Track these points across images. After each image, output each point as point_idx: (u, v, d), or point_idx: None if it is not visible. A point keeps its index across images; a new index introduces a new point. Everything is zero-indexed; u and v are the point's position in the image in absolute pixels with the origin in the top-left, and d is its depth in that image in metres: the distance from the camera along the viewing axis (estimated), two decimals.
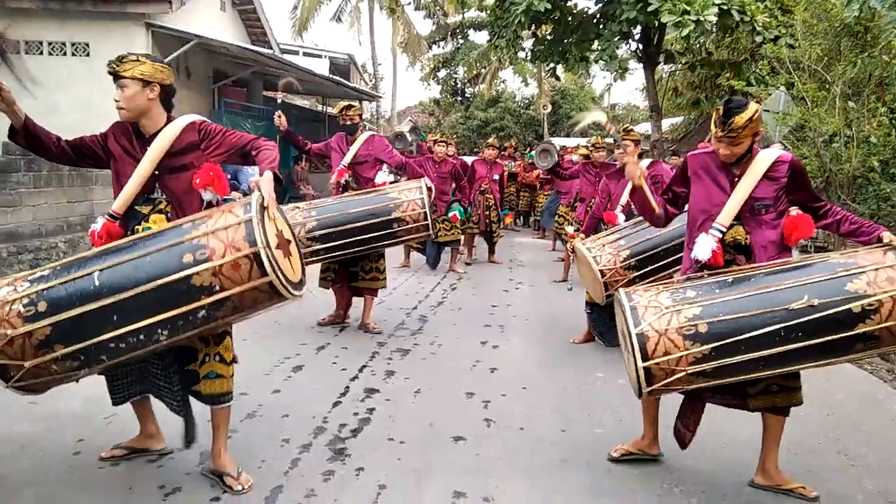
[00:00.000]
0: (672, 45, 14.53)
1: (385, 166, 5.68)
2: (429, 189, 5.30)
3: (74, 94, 10.38)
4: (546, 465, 3.35)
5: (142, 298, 2.45)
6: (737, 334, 2.67)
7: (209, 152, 2.90)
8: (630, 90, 45.65)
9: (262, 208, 2.55)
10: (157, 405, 3.14)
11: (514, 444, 3.58)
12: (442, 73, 29.65)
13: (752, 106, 2.85)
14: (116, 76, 2.76)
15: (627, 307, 2.81)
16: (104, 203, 9.52)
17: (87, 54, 10.84)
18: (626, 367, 2.98)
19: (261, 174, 2.68)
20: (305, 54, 20.57)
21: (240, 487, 2.90)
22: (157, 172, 2.85)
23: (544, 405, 4.20)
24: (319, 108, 22.60)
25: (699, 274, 2.97)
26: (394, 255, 8.86)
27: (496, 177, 10.27)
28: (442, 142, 8.82)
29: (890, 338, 2.70)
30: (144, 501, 2.83)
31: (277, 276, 2.48)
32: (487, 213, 9.78)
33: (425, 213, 5.19)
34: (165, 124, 2.88)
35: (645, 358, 2.70)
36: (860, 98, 9.52)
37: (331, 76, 16.29)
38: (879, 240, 2.86)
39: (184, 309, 2.48)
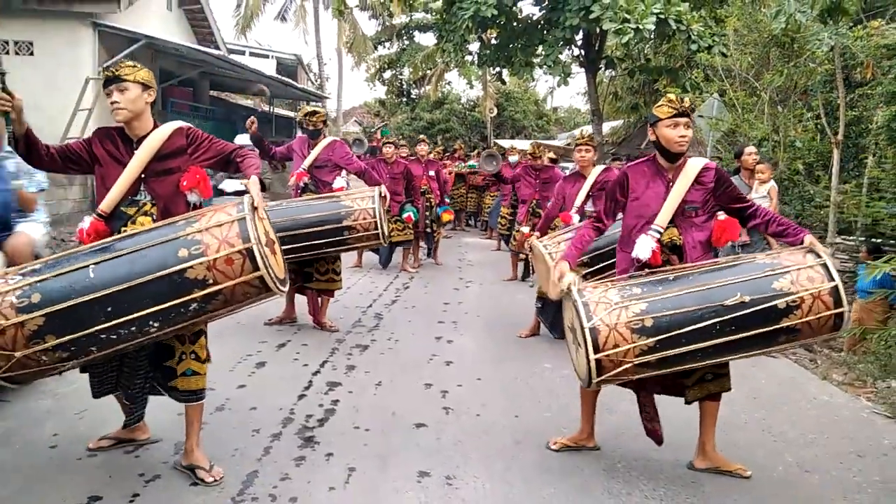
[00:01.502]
0: (612, 51, 15.08)
1: (343, 172, 5.84)
2: (383, 197, 5.43)
3: (18, 94, 10.19)
4: (501, 447, 3.63)
5: (137, 291, 2.59)
6: (678, 328, 2.92)
7: (196, 157, 3.07)
8: (572, 94, 46.59)
9: (253, 208, 2.74)
10: (151, 401, 3.30)
11: (471, 429, 3.86)
12: (387, 74, 29.73)
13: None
14: (117, 79, 2.90)
15: (580, 303, 3.02)
16: (81, 202, 9.43)
17: (31, 53, 10.70)
18: (573, 358, 3.25)
19: (249, 171, 2.91)
20: (252, 54, 20.47)
21: (211, 479, 3.04)
22: (143, 175, 3.00)
23: (497, 394, 4.49)
24: (266, 108, 22.51)
25: (641, 272, 3.24)
26: (346, 256, 9.04)
27: (432, 173, 10.51)
28: (390, 143, 9.02)
29: (809, 331, 2.99)
30: (125, 487, 2.98)
31: (268, 271, 2.68)
32: (427, 213, 9.96)
33: (376, 222, 5.30)
34: (153, 129, 3.04)
35: (597, 350, 2.91)
36: (787, 105, 10.15)
37: (278, 77, 16.30)
38: (802, 242, 3.16)
39: (177, 301, 2.63)
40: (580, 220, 5.36)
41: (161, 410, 3.52)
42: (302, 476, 3.19)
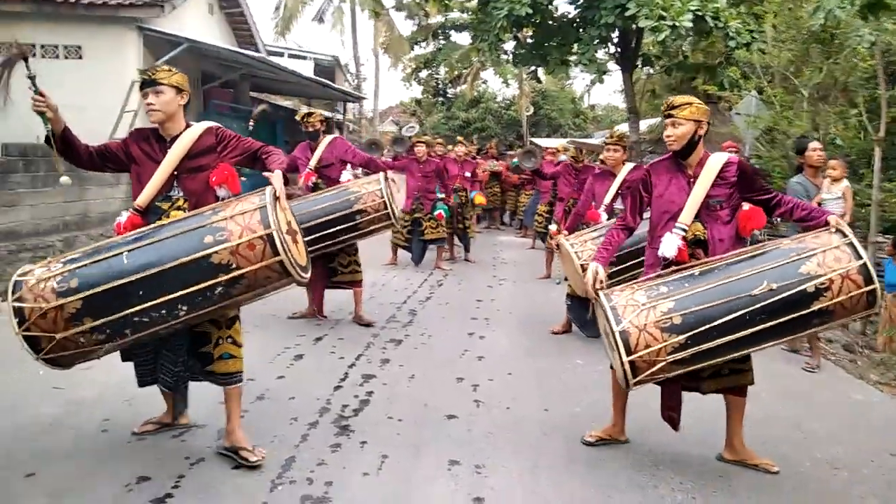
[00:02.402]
0: (649, 48, 14.98)
1: (349, 165, 6.00)
2: (388, 180, 5.62)
3: (67, 96, 10.45)
4: (529, 439, 3.72)
5: (166, 275, 2.76)
6: (708, 322, 2.95)
7: (224, 154, 3.24)
8: (610, 92, 46.12)
9: (275, 198, 2.90)
10: (194, 391, 3.49)
11: (501, 422, 3.95)
12: (423, 74, 29.92)
13: (694, 98, 3.33)
14: (153, 83, 3.09)
15: (608, 307, 3.08)
16: (98, 203, 9.77)
17: (80, 57, 11.06)
18: (611, 362, 3.31)
19: (272, 166, 3.08)
20: (291, 56, 20.79)
21: (255, 459, 3.20)
22: (175, 173, 3.17)
23: (528, 388, 4.57)
24: (304, 108, 22.83)
25: (668, 270, 3.27)
26: (382, 253, 9.21)
27: (468, 173, 10.62)
28: (422, 142, 9.15)
29: (843, 311, 3.01)
30: (172, 469, 3.15)
31: (288, 256, 2.82)
32: (460, 211, 10.09)
33: (385, 202, 5.48)
34: (185, 129, 3.21)
35: (629, 353, 2.96)
36: (826, 102, 9.99)
37: (316, 78, 16.56)
38: (827, 224, 3.15)
39: (203, 285, 2.79)
40: (608, 219, 5.41)
41: (203, 398, 3.69)
42: (337, 462, 3.32)
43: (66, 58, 11.09)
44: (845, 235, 3.06)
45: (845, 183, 5.53)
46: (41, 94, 2.93)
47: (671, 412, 3.43)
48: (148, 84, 3.11)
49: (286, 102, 21.41)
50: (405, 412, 4.01)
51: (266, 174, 3.10)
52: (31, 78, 2.96)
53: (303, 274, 3.00)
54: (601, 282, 3.28)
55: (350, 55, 30.53)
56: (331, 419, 3.85)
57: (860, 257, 2.97)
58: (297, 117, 6.11)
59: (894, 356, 5.71)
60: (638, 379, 3.03)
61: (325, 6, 28.50)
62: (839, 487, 3.35)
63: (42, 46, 11.02)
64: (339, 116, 20.95)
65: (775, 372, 4.93)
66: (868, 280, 2.95)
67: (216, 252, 2.79)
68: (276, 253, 2.81)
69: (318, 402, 4.10)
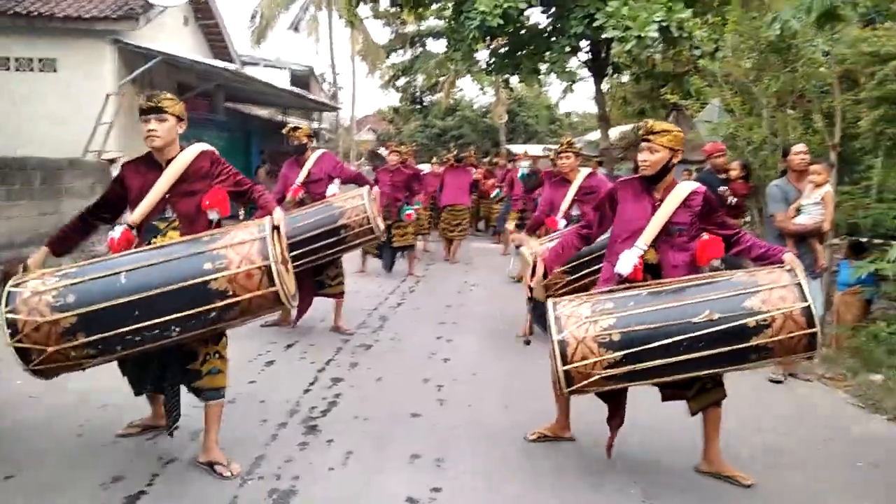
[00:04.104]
0: (619, 57, 15.33)
1: (336, 180, 6.15)
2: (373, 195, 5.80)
3: (42, 108, 10.70)
4: (489, 434, 3.94)
5: (163, 297, 2.90)
6: (645, 343, 3.01)
7: (217, 181, 3.38)
8: (584, 98, 46.74)
9: (274, 229, 3.07)
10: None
11: (463, 419, 4.17)
12: (401, 82, 30.11)
13: (674, 126, 3.43)
14: (160, 110, 3.22)
15: (552, 317, 3.18)
16: (72, 215, 9.86)
17: (55, 70, 11.16)
18: (551, 368, 3.50)
19: (271, 209, 3.29)
20: (266, 66, 20.94)
21: (229, 474, 3.28)
22: (167, 195, 3.30)
23: (491, 388, 4.79)
24: (279, 118, 22.97)
25: (621, 286, 3.31)
26: (351, 262, 9.37)
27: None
28: (395, 151, 9.35)
29: (781, 350, 3.04)
30: (146, 469, 3.32)
31: (283, 288, 3.00)
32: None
33: (368, 217, 5.64)
34: (179, 152, 3.36)
35: (565, 362, 3.06)
36: (784, 109, 10.34)
37: (292, 89, 16.72)
38: (783, 262, 3.20)
39: (199, 309, 2.94)
40: (566, 225, 5.58)
41: None
42: (304, 458, 3.51)
43: (42, 71, 11.20)
44: (795, 276, 3.08)
45: (826, 188, 5.28)
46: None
47: (612, 434, 3.51)
48: (153, 111, 3.23)
49: (262, 112, 21.53)
50: (371, 412, 4.21)
51: (265, 207, 3.34)
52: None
53: (293, 302, 3.19)
54: (539, 281, 3.47)
55: (326, 63, 30.69)
56: (299, 419, 4.04)
57: (805, 300, 2.99)
58: (284, 131, 6.26)
59: (842, 353, 5.99)
60: (572, 389, 3.12)
61: (301, 15, 28.64)
62: (779, 471, 3.60)
63: (17, 59, 11.15)
64: (316, 125, 21.08)
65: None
66: (810, 323, 2.97)
67: (215, 279, 2.93)
68: (273, 284, 2.97)
69: (287, 404, 4.28)
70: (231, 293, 2.95)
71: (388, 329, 6.40)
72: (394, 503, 3.13)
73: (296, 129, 6.16)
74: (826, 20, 7.55)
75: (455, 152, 13.39)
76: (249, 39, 27.56)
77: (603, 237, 3.80)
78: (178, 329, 2.96)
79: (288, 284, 3.12)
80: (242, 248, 2.99)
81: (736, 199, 6.27)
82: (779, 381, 5.12)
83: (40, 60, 11.14)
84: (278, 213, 3.25)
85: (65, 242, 3.48)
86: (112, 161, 11.06)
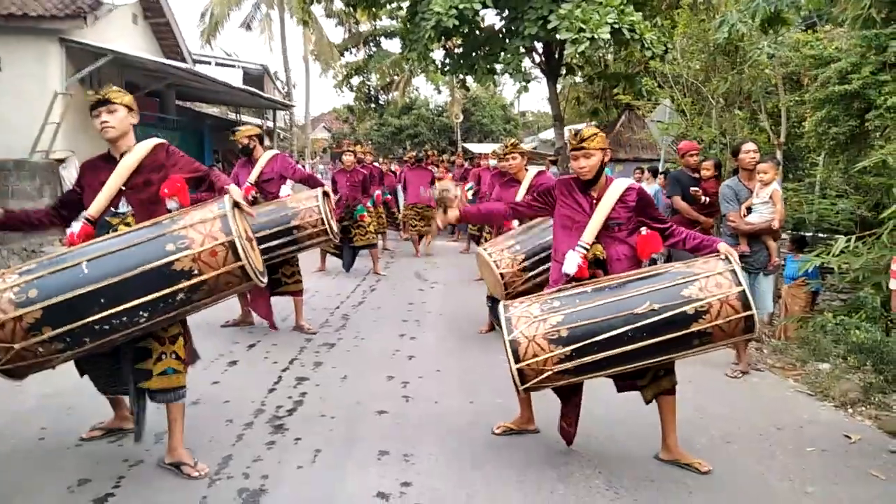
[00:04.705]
0: (573, 58, 15.58)
1: (289, 180, 6.17)
2: (327, 195, 5.81)
3: None
4: (455, 429, 4.00)
5: (128, 283, 2.87)
6: (591, 336, 3.12)
7: (174, 170, 3.37)
8: (539, 98, 47.30)
9: (234, 205, 3.07)
10: None
11: (428, 414, 4.23)
12: (355, 81, 30.00)
13: (597, 129, 3.61)
14: (107, 102, 3.22)
15: (504, 318, 3.29)
16: None
17: None
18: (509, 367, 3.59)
19: (226, 186, 3.26)
20: (218, 64, 20.64)
21: (197, 474, 3.28)
22: (123, 188, 3.29)
23: (455, 383, 4.86)
24: (232, 115, 22.67)
25: (568, 285, 3.44)
26: (310, 260, 9.35)
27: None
28: (351, 151, 9.35)
29: (722, 334, 3.16)
30: (112, 472, 3.29)
31: (249, 262, 3.00)
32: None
33: (322, 218, 5.66)
34: (134, 146, 3.35)
35: (517, 360, 3.16)
36: (732, 109, 10.68)
37: (244, 87, 16.52)
38: (717, 251, 3.35)
39: (165, 291, 2.92)
40: (520, 224, 5.66)
41: None
42: (273, 457, 3.52)
43: None
44: (730, 263, 3.23)
45: (774, 186, 5.31)
46: None
47: (567, 425, 3.64)
48: (102, 103, 3.23)
49: (214, 110, 21.22)
50: (337, 410, 4.23)
51: (222, 188, 3.29)
52: None
53: (262, 278, 3.18)
54: (444, 221, 3.80)
55: (279, 62, 30.40)
56: (266, 419, 4.04)
57: (739, 284, 3.14)
58: (232, 136, 6.26)
59: (790, 343, 6.24)
60: (526, 385, 3.22)
61: (253, 13, 28.34)
62: (728, 457, 3.75)
63: None
64: (270, 124, 20.85)
65: (685, 363, 5.33)
66: (746, 306, 3.11)
67: (178, 259, 2.91)
68: (238, 258, 2.96)
69: (252, 404, 4.27)
70: (196, 272, 2.93)
71: (351, 328, 6.42)
72: (364, 499, 3.17)
73: (235, 131, 6.18)
74: (771, 24, 7.88)
75: (414, 153, 13.48)
76: (200, 38, 27.12)
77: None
78: (146, 314, 2.93)
79: (255, 260, 3.11)
80: (204, 226, 2.97)
81: (708, 199, 6.30)
82: (736, 378, 5.28)
83: None
84: (234, 189, 3.20)
85: (19, 217, 3.43)
86: (61, 161, 10.79)
